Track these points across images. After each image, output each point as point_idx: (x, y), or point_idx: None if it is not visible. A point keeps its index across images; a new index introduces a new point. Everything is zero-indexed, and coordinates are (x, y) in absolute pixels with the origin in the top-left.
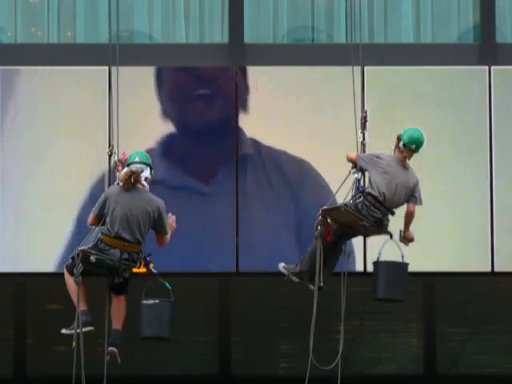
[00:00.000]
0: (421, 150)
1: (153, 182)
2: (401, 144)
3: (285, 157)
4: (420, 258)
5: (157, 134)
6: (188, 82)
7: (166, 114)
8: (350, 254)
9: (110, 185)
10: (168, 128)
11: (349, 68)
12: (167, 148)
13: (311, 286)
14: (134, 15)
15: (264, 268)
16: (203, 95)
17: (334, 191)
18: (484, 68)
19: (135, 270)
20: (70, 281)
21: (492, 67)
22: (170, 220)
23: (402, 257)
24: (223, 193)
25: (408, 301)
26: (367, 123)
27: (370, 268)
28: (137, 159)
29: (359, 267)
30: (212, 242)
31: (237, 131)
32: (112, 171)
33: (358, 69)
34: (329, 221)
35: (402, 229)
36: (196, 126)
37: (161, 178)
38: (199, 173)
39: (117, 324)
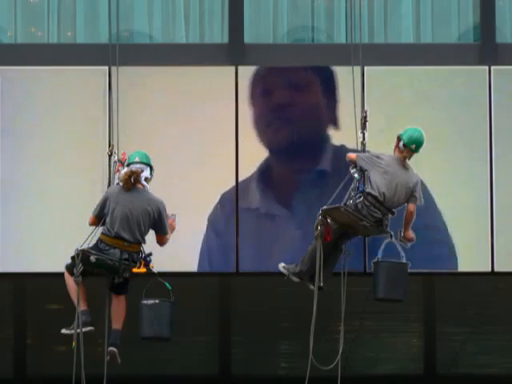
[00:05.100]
0: (421, 149)
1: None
2: (401, 144)
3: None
4: (420, 258)
5: (157, 134)
6: None
7: None
8: (351, 253)
9: (110, 185)
10: (168, 128)
11: (349, 68)
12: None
13: (311, 286)
14: (134, 15)
15: (264, 268)
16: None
17: (334, 191)
18: (484, 68)
19: (135, 270)
20: (69, 281)
21: (492, 67)
22: (170, 220)
23: (402, 257)
24: (223, 192)
25: (408, 301)
26: (367, 123)
27: (369, 268)
28: (137, 159)
29: (359, 267)
30: (212, 242)
31: (237, 130)
32: (112, 171)
33: (358, 69)
34: (329, 221)
35: (402, 229)
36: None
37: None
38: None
39: (117, 324)
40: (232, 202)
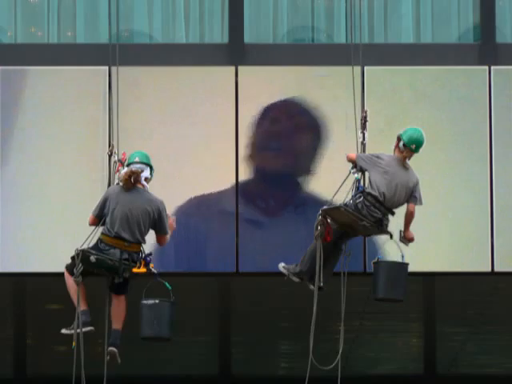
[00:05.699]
0: (421, 150)
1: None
2: (401, 144)
3: (285, 155)
4: (420, 258)
5: (157, 134)
6: None
7: None
8: (350, 253)
9: (110, 185)
10: (168, 128)
11: (349, 68)
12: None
13: (311, 286)
14: (134, 15)
15: (264, 268)
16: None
17: (334, 191)
18: (484, 68)
19: (135, 270)
20: (69, 281)
21: (492, 67)
22: (170, 220)
23: (402, 257)
24: (223, 192)
25: (408, 301)
26: (367, 123)
27: (369, 268)
28: (137, 159)
29: (359, 267)
30: (212, 242)
31: (236, 128)
32: (112, 171)
33: (358, 69)
34: (329, 221)
35: (402, 229)
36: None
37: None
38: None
39: (117, 324)
40: (232, 202)
